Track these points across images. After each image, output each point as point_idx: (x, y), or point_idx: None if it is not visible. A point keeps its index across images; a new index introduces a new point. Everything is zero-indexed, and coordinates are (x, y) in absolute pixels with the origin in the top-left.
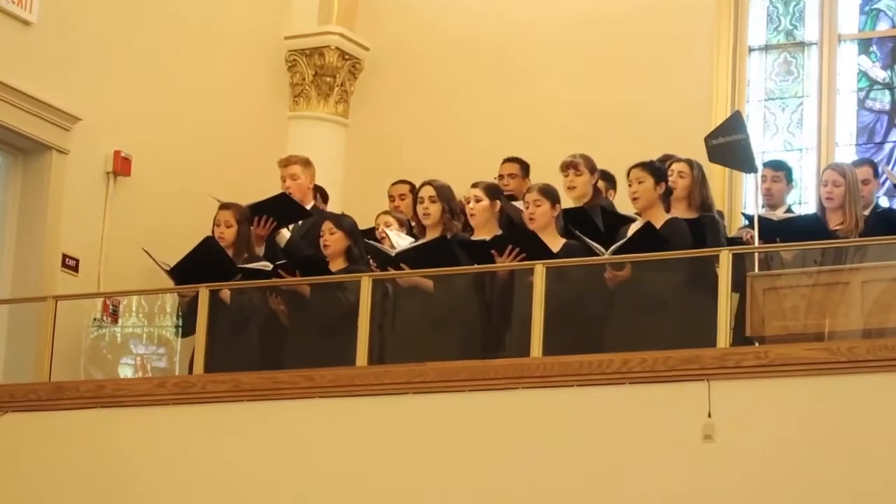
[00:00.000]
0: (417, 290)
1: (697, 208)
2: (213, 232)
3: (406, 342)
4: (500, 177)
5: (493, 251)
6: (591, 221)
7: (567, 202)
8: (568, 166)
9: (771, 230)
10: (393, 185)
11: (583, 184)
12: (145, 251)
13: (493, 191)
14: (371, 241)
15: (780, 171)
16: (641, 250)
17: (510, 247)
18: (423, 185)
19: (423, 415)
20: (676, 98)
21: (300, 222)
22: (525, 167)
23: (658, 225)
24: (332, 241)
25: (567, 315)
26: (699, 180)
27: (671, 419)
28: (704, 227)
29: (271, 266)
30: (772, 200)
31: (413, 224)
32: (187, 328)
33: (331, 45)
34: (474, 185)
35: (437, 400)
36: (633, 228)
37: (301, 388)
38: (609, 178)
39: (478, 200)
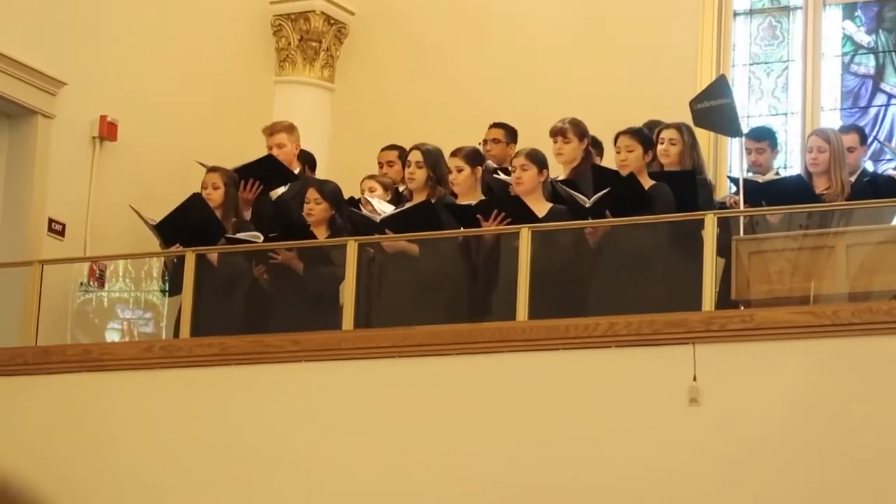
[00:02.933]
0: (403, 254)
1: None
2: None
3: (392, 306)
4: (484, 142)
5: (478, 216)
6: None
7: (557, 167)
8: (556, 133)
9: (756, 193)
10: (382, 150)
11: (570, 150)
12: (132, 208)
13: (472, 157)
14: (355, 210)
15: (763, 140)
16: (623, 200)
17: (495, 211)
18: (411, 148)
19: (410, 378)
20: (662, 62)
21: (288, 186)
22: (511, 133)
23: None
24: (317, 210)
25: (553, 279)
26: (690, 144)
27: (657, 382)
28: (695, 181)
29: (262, 238)
30: (759, 169)
31: (401, 189)
32: (174, 287)
33: (316, 9)
34: (453, 154)
35: (424, 364)
36: None
37: (288, 352)
38: (597, 145)
39: (459, 170)
